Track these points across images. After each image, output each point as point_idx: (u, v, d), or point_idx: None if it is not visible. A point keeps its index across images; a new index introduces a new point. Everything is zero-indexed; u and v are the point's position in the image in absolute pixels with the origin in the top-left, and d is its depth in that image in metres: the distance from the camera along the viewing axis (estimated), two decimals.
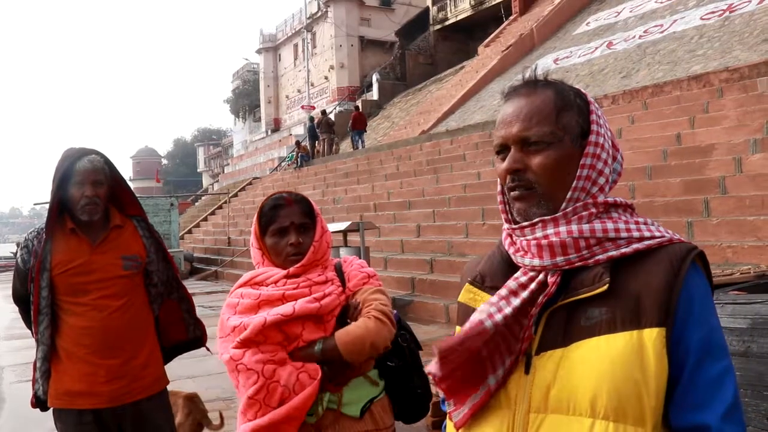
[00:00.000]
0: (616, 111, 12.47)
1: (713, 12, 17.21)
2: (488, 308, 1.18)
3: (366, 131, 26.53)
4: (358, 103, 34.91)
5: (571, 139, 1.19)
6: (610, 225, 1.16)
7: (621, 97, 13.37)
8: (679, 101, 11.52)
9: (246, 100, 59.84)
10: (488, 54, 28.19)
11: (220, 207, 26.30)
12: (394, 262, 11.16)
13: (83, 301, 2.69)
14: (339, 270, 2.18)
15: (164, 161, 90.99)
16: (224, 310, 2.11)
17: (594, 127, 1.20)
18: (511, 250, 1.24)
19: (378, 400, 2.11)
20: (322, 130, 27.07)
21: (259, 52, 55.38)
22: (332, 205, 17.16)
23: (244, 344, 1.94)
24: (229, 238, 19.79)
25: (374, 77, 38.46)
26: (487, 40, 30.15)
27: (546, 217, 1.17)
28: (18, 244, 2.97)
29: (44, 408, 2.76)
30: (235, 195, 26.95)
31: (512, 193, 1.22)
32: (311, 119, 28.83)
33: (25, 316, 2.83)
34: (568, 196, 1.17)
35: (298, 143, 28.14)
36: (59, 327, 2.71)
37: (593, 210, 1.17)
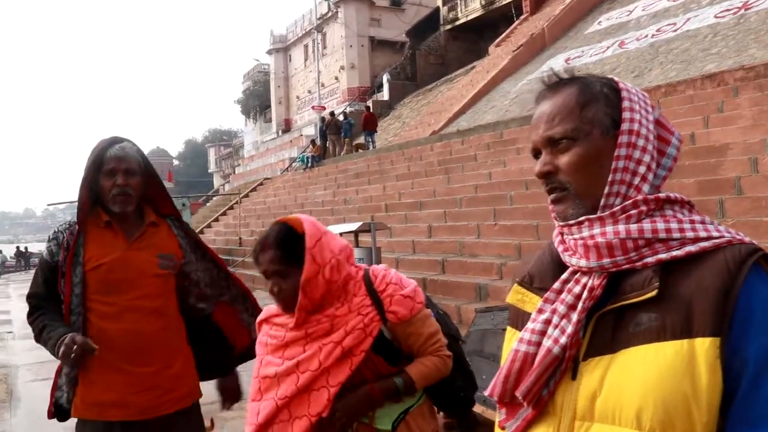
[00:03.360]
0: None
1: (728, 10, 17.06)
2: (536, 334, 1.15)
3: (377, 132, 26.52)
4: (369, 103, 34.89)
5: (601, 132, 1.14)
6: (660, 225, 1.09)
7: None
8: (692, 100, 11.42)
9: (257, 101, 59.99)
10: (499, 54, 28.11)
11: (232, 207, 26.32)
12: (405, 263, 11.11)
13: (117, 300, 2.49)
14: (369, 287, 2.01)
15: (175, 162, 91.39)
16: (257, 347, 2.11)
17: (626, 114, 1.14)
18: (560, 249, 1.20)
19: (415, 407, 2.05)
20: (331, 131, 27.10)
21: (269, 52, 55.55)
22: (343, 205, 17.13)
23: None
24: (240, 238, 19.77)
25: (384, 77, 38.48)
26: (497, 40, 30.08)
27: (593, 216, 1.12)
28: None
29: (64, 418, 2.56)
30: (246, 195, 26.98)
31: (550, 197, 1.19)
32: (322, 120, 28.87)
33: (37, 317, 2.52)
34: (606, 191, 1.12)
35: (313, 142, 28.18)
36: (88, 330, 2.47)
37: (643, 207, 1.11)
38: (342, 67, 44.36)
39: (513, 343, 1.19)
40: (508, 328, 1.30)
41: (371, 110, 28.75)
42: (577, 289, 1.13)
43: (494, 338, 4.08)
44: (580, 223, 1.14)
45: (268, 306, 2.16)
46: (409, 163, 17.96)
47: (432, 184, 14.68)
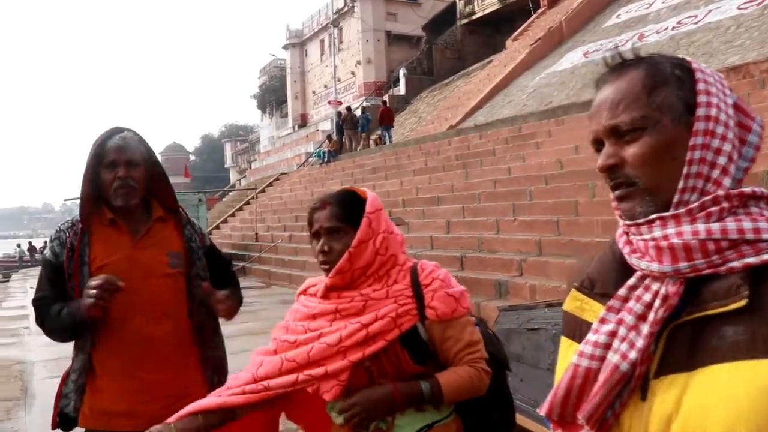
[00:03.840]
0: None
1: (751, 1, 16.73)
2: (599, 347, 1.01)
3: (393, 126, 26.39)
4: (386, 98, 34.78)
5: (673, 119, 1.00)
6: (747, 224, 0.94)
7: None
8: None
9: (273, 96, 60.03)
10: (516, 48, 27.87)
11: (248, 203, 26.30)
12: (423, 259, 10.98)
13: (124, 303, 2.28)
14: (414, 278, 1.88)
15: (192, 157, 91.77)
16: (288, 313, 2.00)
17: (702, 98, 1.00)
18: (626, 250, 1.05)
19: (441, 424, 1.87)
20: (347, 126, 27.01)
21: (285, 47, 55.56)
22: None
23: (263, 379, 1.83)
24: (256, 233, 19.71)
25: (401, 72, 38.34)
26: (515, 34, 29.88)
27: (665, 214, 0.98)
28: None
29: (70, 428, 2.40)
30: (263, 191, 26.93)
31: (615, 193, 1.05)
32: (338, 114, 28.78)
33: (49, 310, 2.33)
34: (680, 185, 0.98)
35: (329, 137, 28.09)
36: (96, 334, 2.34)
37: (725, 204, 0.96)
38: (358, 62, 44.23)
39: (571, 356, 1.05)
40: (563, 339, 1.16)
41: (388, 105, 28.60)
42: (647, 296, 0.99)
43: (519, 338, 3.96)
44: (651, 222, 0.99)
45: (310, 279, 2.05)
46: (427, 158, 17.80)
47: (450, 179, 14.52)
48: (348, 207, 1.89)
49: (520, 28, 29.99)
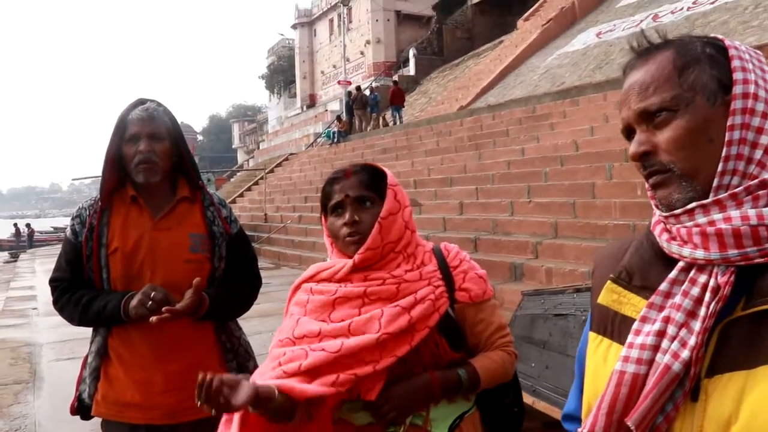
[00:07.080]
0: None
1: None
2: (647, 350, 0.93)
3: (404, 107, 26.20)
4: (396, 77, 34.53)
5: (707, 98, 0.94)
6: None
7: None
8: None
9: (281, 76, 59.91)
10: (528, 28, 27.59)
11: (256, 183, 26.20)
12: (436, 241, 10.79)
13: (139, 289, 2.13)
14: (441, 260, 1.77)
15: (200, 137, 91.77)
16: (292, 307, 1.75)
17: (738, 75, 0.93)
18: (664, 238, 0.99)
19: (469, 415, 1.77)
20: (357, 106, 26.87)
21: (294, 27, 55.36)
22: None
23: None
24: (265, 214, 19.61)
25: (411, 52, 38.12)
26: (526, 14, 29.59)
27: (706, 201, 0.92)
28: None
29: (86, 416, 2.27)
30: (271, 171, 26.81)
31: (649, 181, 0.99)
32: (348, 95, 28.61)
33: (72, 296, 2.21)
34: (720, 168, 0.92)
35: (339, 117, 27.93)
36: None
37: None
38: (368, 42, 43.98)
39: (603, 355, 1.02)
40: (592, 335, 1.08)
41: (398, 85, 28.38)
42: (695, 290, 0.92)
43: (545, 324, 3.82)
44: (691, 211, 0.94)
45: (316, 264, 1.84)
46: (438, 139, 17.62)
47: (462, 160, 14.33)
48: (373, 176, 1.77)
49: (532, 8, 29.65)
